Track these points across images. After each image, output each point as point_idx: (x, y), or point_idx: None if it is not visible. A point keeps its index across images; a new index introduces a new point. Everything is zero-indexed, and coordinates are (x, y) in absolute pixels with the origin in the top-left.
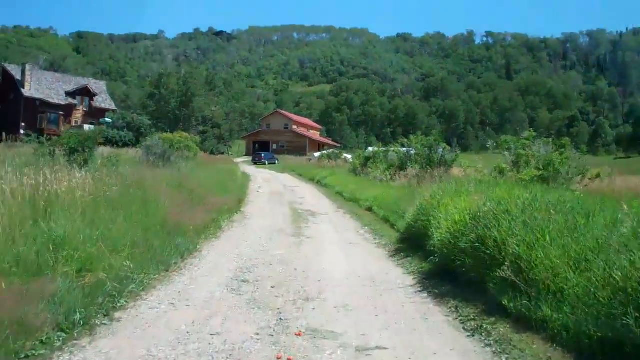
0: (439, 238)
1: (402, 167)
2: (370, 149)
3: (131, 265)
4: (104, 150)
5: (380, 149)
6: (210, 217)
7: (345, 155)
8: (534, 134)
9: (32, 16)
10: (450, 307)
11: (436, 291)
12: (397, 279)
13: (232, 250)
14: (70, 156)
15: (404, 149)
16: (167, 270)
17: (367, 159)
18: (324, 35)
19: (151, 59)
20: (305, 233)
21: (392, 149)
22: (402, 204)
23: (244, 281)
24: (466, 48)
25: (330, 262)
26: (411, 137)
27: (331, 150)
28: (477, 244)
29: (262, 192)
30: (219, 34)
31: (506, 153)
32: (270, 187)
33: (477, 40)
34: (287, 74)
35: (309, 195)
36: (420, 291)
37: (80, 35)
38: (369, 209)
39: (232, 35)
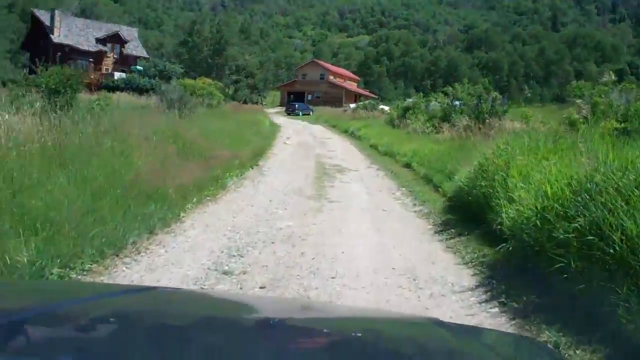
0: (513, 216)
1: (445, 118)
2: (409, 99)
3: (32, 255)
4: (119, 96)
5: (420, 99)
6: (210, 175)
7: (382, 106)
8: (614, 78)
9: None
10: (547, 342)
11: (514, 304)
12: (450, 275)
13: (227, 220)
14: (50, 98)
15: (448, 100)
16: (118, 255)
17: (406, 109)
18: None
19: (189, 8)
20: (329, 195)
21: (434, 99)
22: (448, 162)
23: (225, 273)
24: (511, 0)
25: (354, 240)
26: (456, 85)
27: (367, 101)
28: (590, 237)
29: (289, 144)
30: None
31: (579, 101)
32: (299, 138)
33: None
34: (326, 25)
35: (340, 148)
36: (487, 300)
37: None
38: (407, 166)
39: None
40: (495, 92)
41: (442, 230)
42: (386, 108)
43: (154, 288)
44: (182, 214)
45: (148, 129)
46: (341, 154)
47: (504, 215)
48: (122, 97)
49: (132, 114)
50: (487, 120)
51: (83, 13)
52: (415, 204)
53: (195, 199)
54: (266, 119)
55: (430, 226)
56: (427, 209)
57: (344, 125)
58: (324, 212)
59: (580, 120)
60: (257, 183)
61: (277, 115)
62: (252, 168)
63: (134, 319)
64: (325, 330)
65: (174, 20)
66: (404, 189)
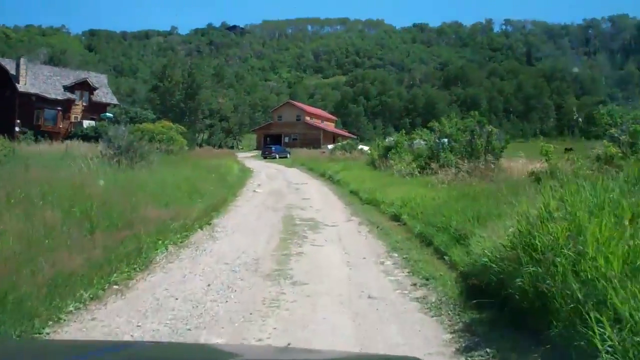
0: None
1: (433, 158)
2: (390, 137)
3: None
4: (71, 144)
5: (403, 137)
6: (129, 248)
7: (361, 146)
8: None
9: (44, 16)
10: None
11: None
12: None
13: (121, 334)
14: None
15: (434, 136)
16: None
17: (388, 149)
18: (338, 27)
19: (163, 54)
20: (294, 270)
21: (418, 137)
22: (452, 216)
23: None
24: (485, 36)
25: None
26: (442, 120)
27: (346, 141)
28: None
29: (258, 192)
30: (232, 28)
31: (613, 131)
32: (272, 185)
33: (496, 29)
34: (302, 67)
35: (316, 196)
36: None
37: (92, 33)
38: (396, 218)
39: (245, 29)
40: (490, 126)
41: (470, 349)
42: (365, 148)
43: (134, 343)
44: (45, 329)
45: (43, 186)
46: (317, 203)
47: (600, 346)
48: (83, 147)
49: (46, 166)
50: (485, 159)
51: (51, 61)
52: (415, 284)
53: (88, 294)
54: (236, 164)
55: (448, 334)
56: (435, 295)
57: (321, 168)
58: (281, 309)
59: (619, 154)
60: (201, 253)
61: (252, 159)
62: (202, 229)
63: None
64: None
65: (149, 67)
66: (395, 255)
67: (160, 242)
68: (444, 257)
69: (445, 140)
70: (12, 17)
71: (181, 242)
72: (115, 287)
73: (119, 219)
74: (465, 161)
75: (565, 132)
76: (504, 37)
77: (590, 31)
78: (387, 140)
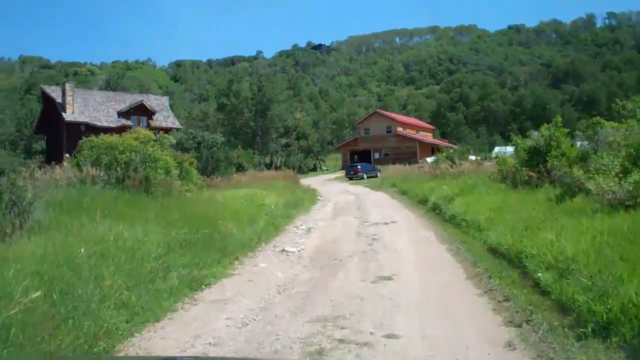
0: None
1: None
2: (535, 133)
3: None
4: None
5: (560, 129)
6: None
7: (471, 156)
8: None
9: (131, 51)
10: None
11: None
12: None
13: None
14: None
15: None
16: None
17: (536, 152)
18: (428, 36)
19: (247, 79)
20: None
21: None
22: None
23: None
24: (587, 33)
25: None
26: None
27: (453, 149)
28: None
29: (289, 256)
30: (318, 47)
31: None
32: (330, 231)
33: (599, 23)
34: (392, 79)
35: (411, 270)
36: None
37: (178, 64)
38: None
39: (331, 47)
40: None
41: None
42: (477, 159)
43: (173, 358)
44: None
45: None
46: (411, 313)
47: None
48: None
49: None
50: None
51: (108, 87)
52: None
53: None
54: (277, 196)
55: None
56: None
57: (420, 191)
58: None
59: None
60: None
61: (334, 182)
62: None
63: None
64: None
65: None
66: None
67: None
68: None
69: None
70: (98, 55)
71: None
72: None
73: None
74: None
75: None
76: (608, 32)
77: None
78: (533, 136)
